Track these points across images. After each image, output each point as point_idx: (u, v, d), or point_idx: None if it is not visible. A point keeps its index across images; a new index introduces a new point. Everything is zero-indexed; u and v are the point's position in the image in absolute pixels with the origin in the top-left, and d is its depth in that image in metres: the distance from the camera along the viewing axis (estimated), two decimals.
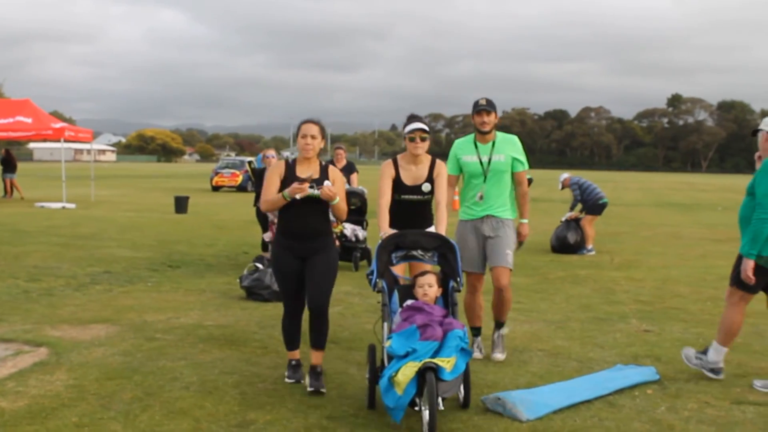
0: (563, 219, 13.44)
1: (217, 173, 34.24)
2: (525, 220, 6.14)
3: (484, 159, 5.87)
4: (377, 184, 5.57)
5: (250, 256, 11.33)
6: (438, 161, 5.58)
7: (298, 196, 4.95)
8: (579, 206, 13.58)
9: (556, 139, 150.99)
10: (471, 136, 6.03)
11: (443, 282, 5.01)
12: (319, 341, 5.19)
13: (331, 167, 5.27)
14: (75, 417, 4.45)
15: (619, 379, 5.35)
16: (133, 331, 6.58)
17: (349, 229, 10.64)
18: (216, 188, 33.70)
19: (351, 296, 8.51)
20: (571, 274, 10.63)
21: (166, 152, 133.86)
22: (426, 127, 5.44)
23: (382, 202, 5.43)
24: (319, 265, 5.11)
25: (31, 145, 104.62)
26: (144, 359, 5.71)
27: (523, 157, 6.01)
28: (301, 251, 5.13)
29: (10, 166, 25.68)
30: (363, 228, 10.87)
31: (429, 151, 5.61)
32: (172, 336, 6.46)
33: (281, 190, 5.06)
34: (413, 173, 5.51)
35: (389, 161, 5.60)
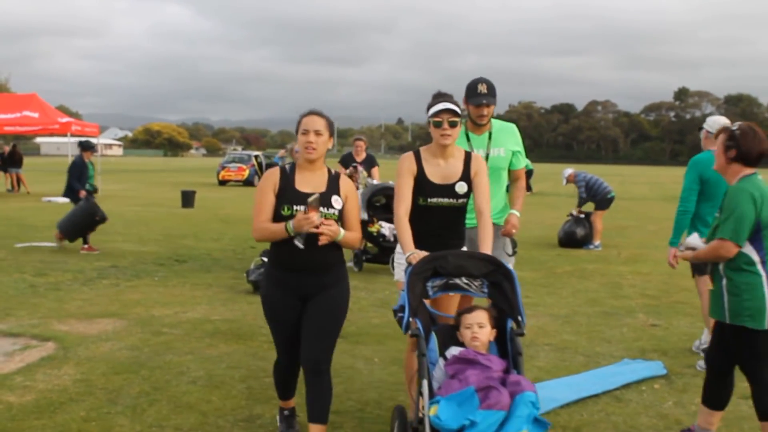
0: (572, 213, 13.39)
1: (223, 167, 34.30)
2: (515, 211, 4.96)
3: (481, 154, 4.70)
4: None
5: (256, 250, 11.32)
6: (474, 155, 4.30)
7: (305, 229, 3.66)
8: (589, 203, 13.51)
9: (563, 132, 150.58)
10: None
11: (499, 321, 3.82)
12: (319, 412, 3.83)
13: (343, 178, 3.98)
14: (82, 411, 4.47)
15: (626, 374, 5.34)
16: (140, 326, 6.60)
17: (386, 228, 9.79)
18: (223, 182, 33.71)
19: (358, 290, 8.50)
20: (578, 269, 10.60)
21: (172, 146, 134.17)
22: (457, 108, 4.08)
23: (400, 212, 4.06)
24: (322, 307, 3.85)
25: (38, 139, 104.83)
26: (151, 354, 5.72)
27: (523, 150, 5.05)
28: (303, 289, 3.86)
29: (15, 160, 25.78)
30: None
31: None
32: (179, 330, 6.47)
33: (277, 206, 3.82)
34: (442, 169, 4.15)
35: (409, 154, 4.22)
